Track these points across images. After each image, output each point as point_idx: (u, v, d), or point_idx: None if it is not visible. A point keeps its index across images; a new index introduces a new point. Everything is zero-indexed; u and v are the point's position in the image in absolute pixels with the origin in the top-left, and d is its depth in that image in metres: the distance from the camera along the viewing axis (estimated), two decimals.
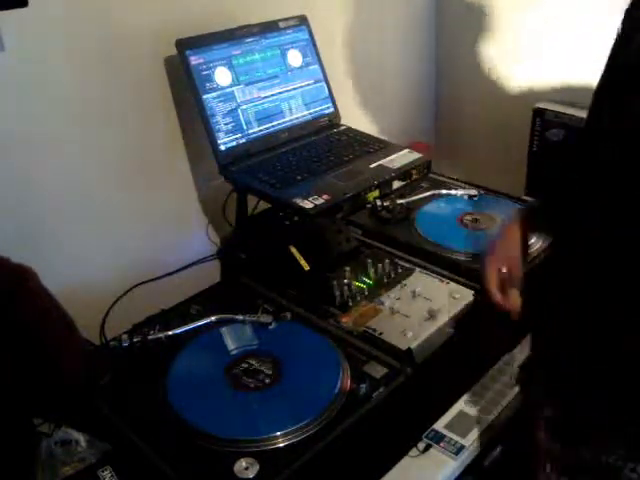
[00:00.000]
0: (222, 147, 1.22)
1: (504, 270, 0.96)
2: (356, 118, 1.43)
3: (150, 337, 1.01)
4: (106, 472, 0.84)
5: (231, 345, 1.02)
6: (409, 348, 0.98)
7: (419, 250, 1.25)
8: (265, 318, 1.06)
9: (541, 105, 1.55)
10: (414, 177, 1.29)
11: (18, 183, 1.05)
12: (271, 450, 0.84)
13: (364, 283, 1.15)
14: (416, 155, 1.29)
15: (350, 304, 1.10)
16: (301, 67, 1.35)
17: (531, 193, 1.60)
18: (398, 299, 1.10)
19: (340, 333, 1.05)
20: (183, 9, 1.20)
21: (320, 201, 1.12)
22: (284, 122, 1.32)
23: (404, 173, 1.26)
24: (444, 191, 1.44)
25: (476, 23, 1.69)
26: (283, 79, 1.32)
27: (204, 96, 1.19)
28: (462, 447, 0.97)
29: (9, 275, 0.86)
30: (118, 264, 1.20)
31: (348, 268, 1.17)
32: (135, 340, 1.01)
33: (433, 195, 1.43)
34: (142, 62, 1.16)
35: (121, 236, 1.21)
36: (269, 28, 1.31)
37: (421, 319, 1.05)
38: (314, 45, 1.37)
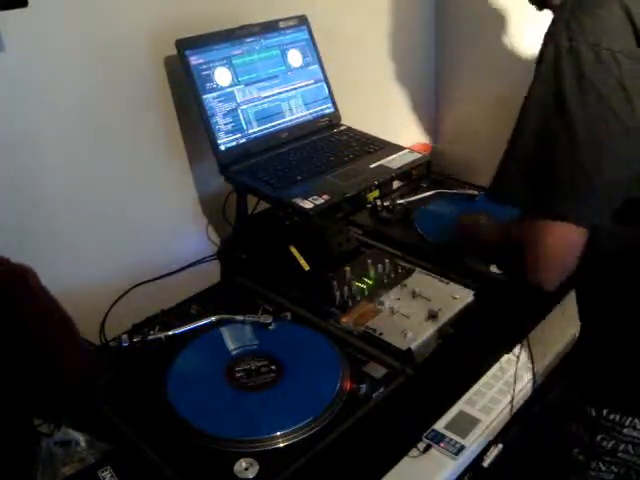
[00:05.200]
0: (222, 147, 1.21)
1: None
2: (356, 118, 1.43)
3: (150, 337, 1.01)
4: (106, 472, 0.84)
5: (231, 345, 1.02)
6: (409, 348, 0.98)
7: (419, 250, 1.25)
8: (265, 318, 1.06)
9: None
10: (414, 176, 1.30)
11: (18, 183, 1.05)
12: (271, 450, 0.84)
13: (364, 283, 1.15)
14: (416, 155, 1.29)
15: (350, 304, 1.10)
16: (301, 67, 1.35)
17: None
18: (398, 299, 1.10)
19: (340, 333, 1.05)
20: (183, 9, 1.20)
21: (320, 201, 1.12)
22: (284, 122, 1.31)
23: (404, 173, 1.26)
24: (444, 191, 1.44)
25: (476, 22, 1.69)
26: (283, 79, 1.32)
27: (204, 96, 1.19)
28: (462, 447, 0.97)
29: (9, 275, 0.86)
30: (118, 264, 1.20)
31: (348, 268, 1.17)
32: (135, 340, 1.01)
33: (433, 195, 1.43)
34: (142, 62, 1.16)
35: (121, 236, 1.21)
36: (269, 28, 1.31)
37: (421, 319, 1.05)
38: (314, 45, 1.37)
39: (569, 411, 0.97)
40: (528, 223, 0.86)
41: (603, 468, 0.92)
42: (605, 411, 0.89)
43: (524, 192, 0.85)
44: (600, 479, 0.93)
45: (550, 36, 0.84)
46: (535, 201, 0.84)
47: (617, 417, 0.88)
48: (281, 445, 0.84)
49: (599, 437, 0.91)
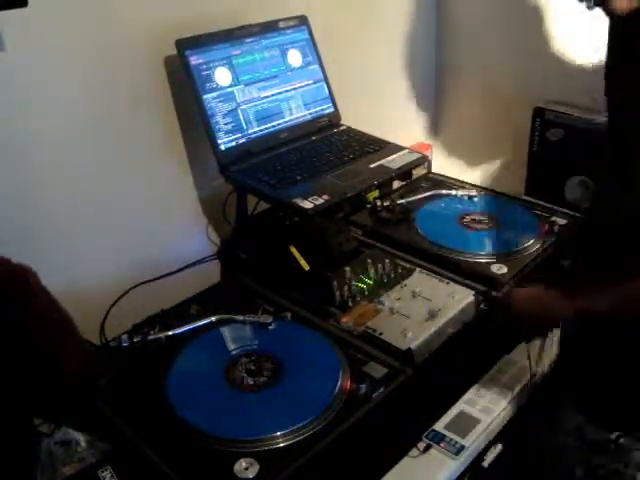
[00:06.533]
0: (222, 147, 1.22)
1: None
2: (356, 118, 1.43)
3: (150, 337, 1.01)
4: (106, 472, 0.84)
5: (231, 345, 1.02)
6: (409, 348, 0.98)
7: (419, 250, 1.25)
8: (265, 318, 1.05)
9: (541, 105, 1.55)
10: (414, 176, 1.29)
11: (18, 183, 1.05)
12: (271, 450, 0.84)
13: (364, 283, 1.15)
14: (416, 155, 1.29)
15: (350, 304, 1.10)
16: (301, 67, 1.35)
17: (531, 193, 1.60)
18: (398, 299, 1.10)
19: (340, 333, 1.05)
20: (183, 9, 1.20)
21: (320, 201, 1.12)
22: (284, 122, 1.31)
23: (404, 173, 1.26)
24: (444, 191, 1.44)
25: (476, 23, 1.69)
26: (283, 79, 1.32)
27: (204, 96, 1.19)
28: (462, 447, 0.97)
29: (9, 275, 0.86)
30: (118, 264, 1.20)
31: (348, 268, 1.17)
32: (135, 340, 1.01)
33: (433, 195, 1.43)
34: (142, 62, 1.16)
35: (121, 236, 1.21)
36: (269, 28, 1.31)
37: (421, 319, 1.05)
38: (314, 45, 1.37)
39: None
40: None
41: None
42: None
43: None
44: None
45: None
46: None
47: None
48: (281, 445, 0.84)
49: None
